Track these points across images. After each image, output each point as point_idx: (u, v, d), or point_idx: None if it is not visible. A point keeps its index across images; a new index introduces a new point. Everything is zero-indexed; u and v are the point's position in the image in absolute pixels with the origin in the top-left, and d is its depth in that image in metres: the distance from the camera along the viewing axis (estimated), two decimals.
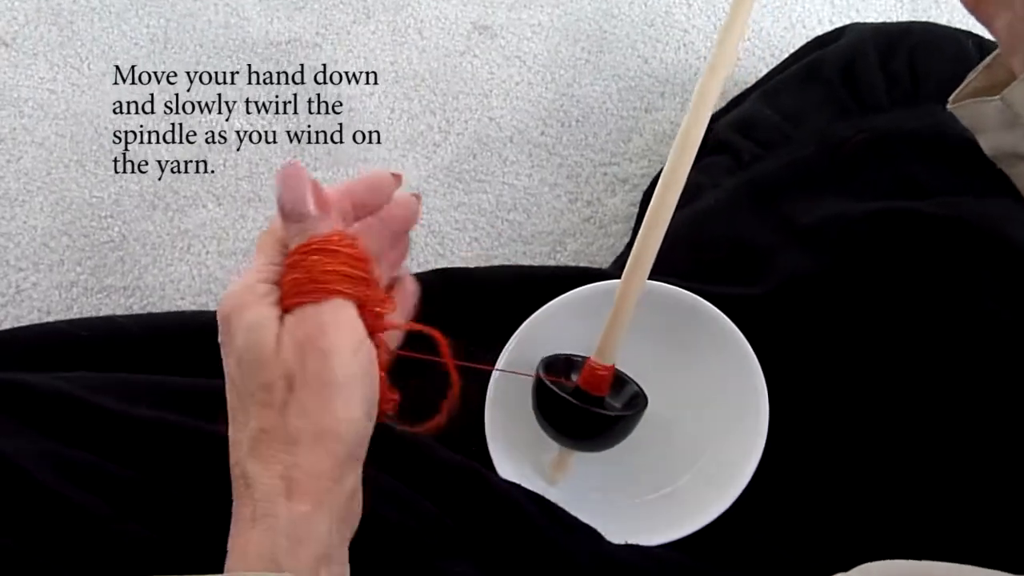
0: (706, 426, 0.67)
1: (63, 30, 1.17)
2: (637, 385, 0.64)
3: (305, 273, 0.47)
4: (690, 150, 0.57)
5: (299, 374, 0.45)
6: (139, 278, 1.01)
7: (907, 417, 0.66)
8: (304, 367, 0.45)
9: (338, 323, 0.46)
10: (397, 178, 0.53)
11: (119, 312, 0.99)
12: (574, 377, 0.64)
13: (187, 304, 1.00)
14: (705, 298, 0.65)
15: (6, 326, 0.97)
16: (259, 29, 1.18)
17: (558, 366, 0.65)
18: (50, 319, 0.97)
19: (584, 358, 0.63)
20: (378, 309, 0.49)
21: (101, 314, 0.99)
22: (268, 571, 0.43)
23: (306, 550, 0.44)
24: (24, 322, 0.98)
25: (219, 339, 0.47)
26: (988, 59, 0.59)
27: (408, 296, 0.55)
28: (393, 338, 0.53)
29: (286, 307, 0.47)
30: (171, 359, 0.69)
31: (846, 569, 0.43)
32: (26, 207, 1.04)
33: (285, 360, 0.45)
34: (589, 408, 0.61)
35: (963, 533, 0.63)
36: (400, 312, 0.53)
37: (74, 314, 0.99)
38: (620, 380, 0.64)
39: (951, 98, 0.61)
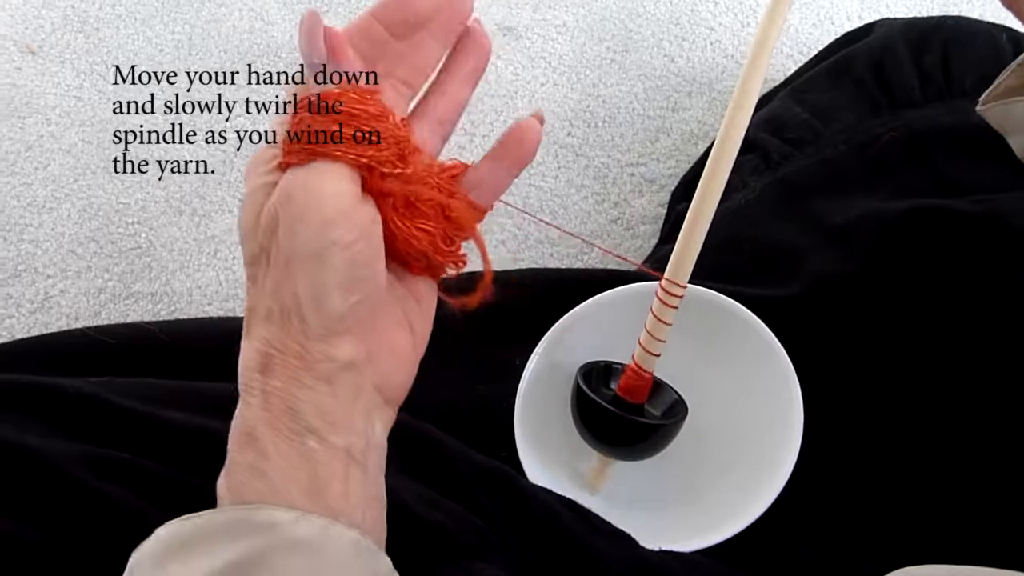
0: (740, 431, 0.66)
1: (89, 38, 1.18)
2: (676, 392, 0.64)
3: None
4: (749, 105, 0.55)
5: (271, 247, 0.42)
6: (166, 284, 1.01)
7: (942, 419, 0.65)
8: (276, 240, 0.41)
9: (313, 190, 0.40)
10: None
11: (147, 318, 0.99)
12: (613, 384, 0.63)
13: (214, 309, 1.00)
14: (736, 300, 0.64)
15: (35, 333, 0.97)
16: (283, 34, 1.18)
17: (597, 373, 0.64)
18: (78, 325, 0.98)
19: (623, 365, 0.62)
20: (386, 170, 0.42)
21: (129, 320, 0.99)
22: (242, 441, 0.42)
23: (281, 424, 0.42)
24: (52, 329, 0.98)
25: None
26: (1021, 58, 0.58)
27: (473, 57, 0.49)
28: (486, 187, 0.48)
29: (281, 170, 0.42)
30: (199, 365, 0.69)
31: (881, 574, 0.42)
32: (54, 214, 1.04)
33: (262, 232, 0.42)
34: (629, 417, 0.60)
35: (1002, 538, 0.62)
36: (461, 85, 0.48)
37: (102, 320, 0.99)
38: (659, 387, 0.63)
39: (981, 99, 0.60)
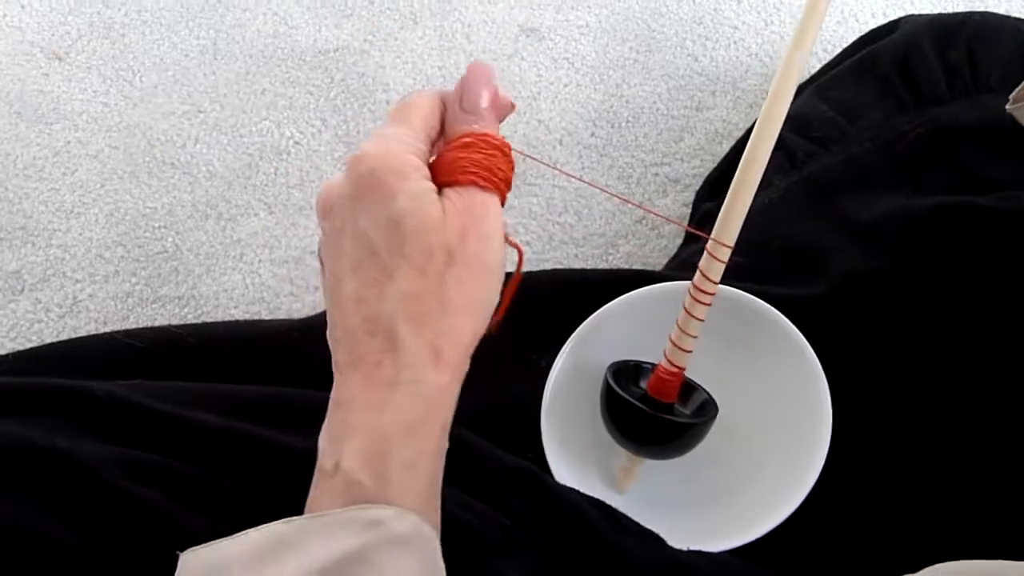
0: (768, 431, 0.66)
1: (115, 43, 1.19)
2: (706, 392, 0.63)
3: (484, 159, 0.49)
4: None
5: (459, 250, 0.46)
6: (193, 288, 1.01)
7: (972, 416, 0.65)
8: (465, 245, 0.46)
9: (496, 214, 0.48)
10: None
11: (174, 322, 0.99)
12: (642, 383, 0.63)
13: (240, 313, 1.00)
14: (762, 299, 0.64)
15: (63, 337, 0.98)
16: (307, 37, 1.18)
17: (627, 372, 0.64)
18: (106, 330, 0.98)
19: (652, 365, 0.62)
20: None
21: (156, 324, 0.99)
22: (403, 432, 0.44)
23: (439, 420, 0.45)
24: (81, 333, 0.99)
25: (348, 191, 0.47)
26: None
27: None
28: None
29: (439, 184, 0.48)
30: (226, 367, 0.69)
31: (911, 572, 0.42)
32: (81, 219, 1.05)
33: (449, 234, 0.46)
34: (660, 415, 0.60)
35: None
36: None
37: (130, 324, 1.00)
38: (689, 386, 0.63)
39: (1012, 96, 0.60)
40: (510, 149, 0.50)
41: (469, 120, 0.50)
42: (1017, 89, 0.60)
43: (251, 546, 0.41)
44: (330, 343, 0.47)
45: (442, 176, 0.48)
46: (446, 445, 0.46)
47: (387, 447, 0.43)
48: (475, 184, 0.47)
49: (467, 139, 0.49)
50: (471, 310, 0.46)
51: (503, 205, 0.49)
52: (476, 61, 0.51)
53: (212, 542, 0.42)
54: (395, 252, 0.45)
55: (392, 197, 0.46)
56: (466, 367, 0.46)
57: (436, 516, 0.45)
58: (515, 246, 0.52)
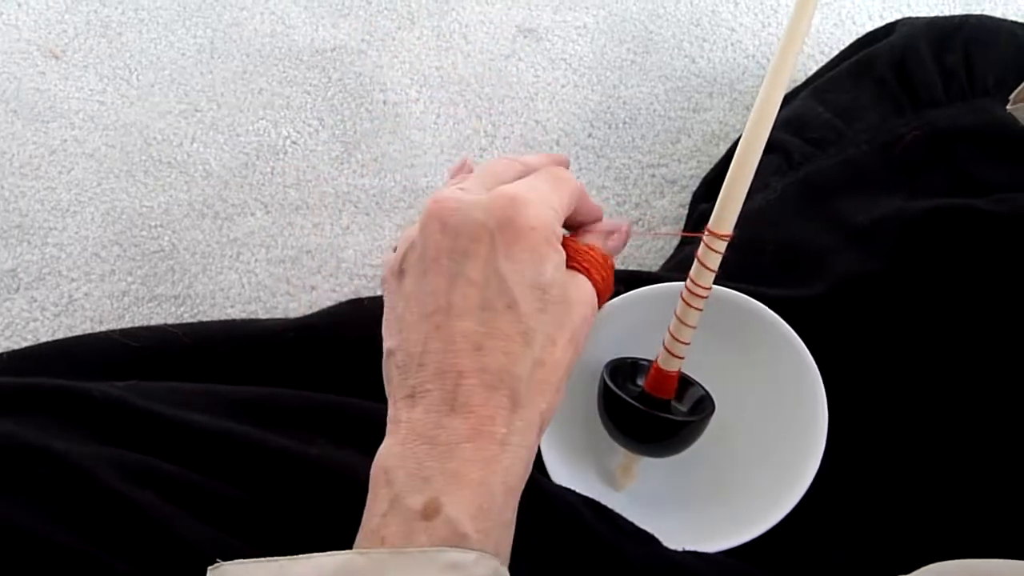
0: (764, 431, 0.66)
1: (112, 42, 1.18)
2: (703, 388, 0.63)
3: (602, 259, 0.54)
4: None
5: (579, 334, 0.50)
6: (189, 287, 1.01)
7: (968, 418, 0.65)
8: (581, 331, 0.50)
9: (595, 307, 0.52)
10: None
11: (170, 320, 0.99)
12: (640, 381, 0.63)
13: (237, 312, 1.00)
14: (759, 300, 0.64)
15: (59, 336, 0.98)
16: (304, 37, 1.18)
17: (624, 370, 0.64)
18: (102, 329, 0.98)
19: (649, 362, 0.62)
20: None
21: (152, 323, 0.99)
22: (508, 498, 0.44)
23: (524, 484, 0.46)
24: (76, 332, 0.99)
25: (493, 224, 0.47)
26: None
27: None
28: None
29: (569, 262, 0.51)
30: (222, 367, 0.69)
31: (907, 572, 0.42)
32: (77, 218, 1.05)
33: (576, 316, 0.50)
34: (656, 413, 0.60)
35: None
36: None
37: (126, 323, 1.00)
38: (686, 383, 0.63)
39: (1012, 97, 0.60)
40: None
41: (596, 238, 0.56)
42: (1018, 89, 0.60)
43: (322, 571, 0.41)
44: (401, 363, 0.46)
45: (572, 260, 0.52)
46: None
47: (493, 505, 0.43)
48: (596, 283, 0.52)
49: (595, 241, 0.55)
50: (564, 384, 0.49)
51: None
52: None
53: (265, 560, 0.42)
54: (534, 316, 0.46)
55: (543, 261, 0.47)
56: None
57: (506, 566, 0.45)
58: None
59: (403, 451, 0.44)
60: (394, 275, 0.49)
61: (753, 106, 0.55)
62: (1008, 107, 0.60)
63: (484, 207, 0.47)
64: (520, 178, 0.52)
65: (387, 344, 0.48)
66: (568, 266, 0.51)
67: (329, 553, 0.41)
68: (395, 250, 0.51)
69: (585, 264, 0.51)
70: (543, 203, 0.48)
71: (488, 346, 0.45)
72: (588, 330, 0.51)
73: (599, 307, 0.53)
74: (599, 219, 0.57)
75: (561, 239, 0.50)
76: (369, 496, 0.45)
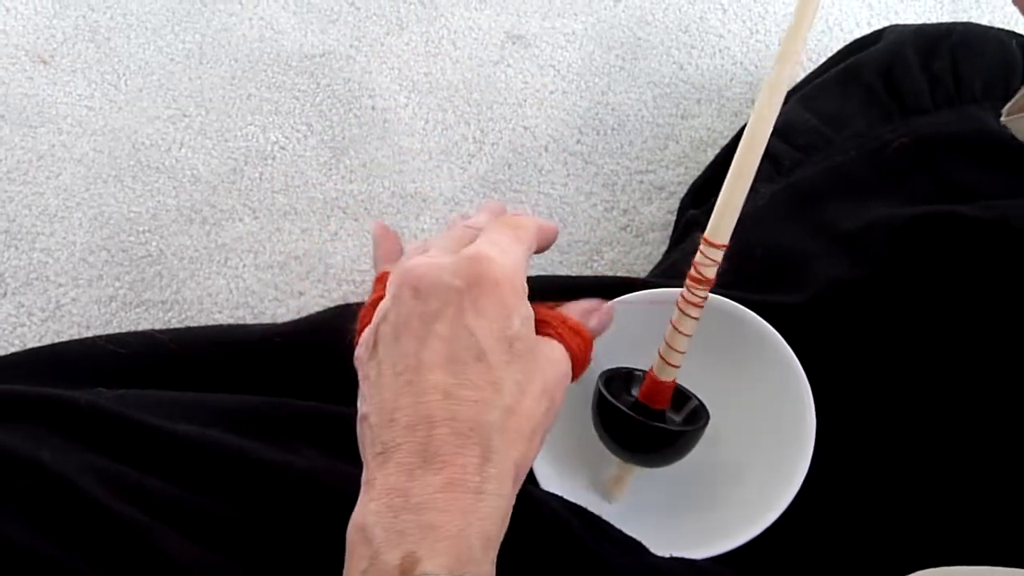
0: (752, 438, 0.66)
1: (100, 47, 1.18)
2: (698, 399, 0.63)
3: (573, 333, 0.54)
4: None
5: (552, 388, 0.50)
6: (177, 292, 1.01)
7: (955, 425, 0.65)
8: (558, 387, 0.51)
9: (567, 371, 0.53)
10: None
11: (158, 326, 0.99)
12: (634, 391, 0.63)
13: (224, 317, 1.00)
14: (747, 306, 0.64)
15: (46, 341, 0.98)
16: (293, 42, 1.18)
17: (618, 379, 0.64)
18: (89, 334, 0.98)
19: (643, 372, 0.62)
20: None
21: (140, 328, 0.99)
22: (485, 549, 0.44)
23: (502, 536, 0.46)
24: (64, 337, 0.99)
25: (459, 283, 0.48)
26: None
27: None
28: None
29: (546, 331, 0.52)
30: (209, 374, 0.69)
31: None
32: (65, 223, 1.05)
33: (549, 370, 0.50)
34: (651, 423, 0.60)
35: (1017, 545, 0.62)
36: None
37: (113, 329, 0.99)
38: (680, 393, 0.63)
39: (1005, 110, 0.60)
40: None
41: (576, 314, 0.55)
42: (1011, 102, 0.60)
43: None
44: (374, 424, 0.46)
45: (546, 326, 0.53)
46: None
47: (471, 556, 0.42)
48: (569, 349, 0.52)
49: (573, 317, 0.55)
50: (540, 437, 0.49)
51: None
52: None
53: None
54: (502, 367, 0.46)
55: (510, 314, 0.47)
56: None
57: None
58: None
59: (378, 507, 0.43)
60: (367, 349, 0.49)
61: (744, 119, 0.55)
62: (1002, 119, 0.60)
63: (451, 269, 0.48)
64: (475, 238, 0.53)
65: (361, 410, 0.48)
66: (542, 332, 0.52)
67: None
68: (361, 333, 0.52)
69: (558, 331, 0.52)
70: (505, 255, 0.49)
71: (458, 395, 0.45)
72: (563, 390, 0.51)
73: (575, 375, 0.53)
74: (554, 237, 0.58)
75: (530, 299, 0.51)
76: (347, 556, 0.44)
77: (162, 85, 1.15)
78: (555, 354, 0.51)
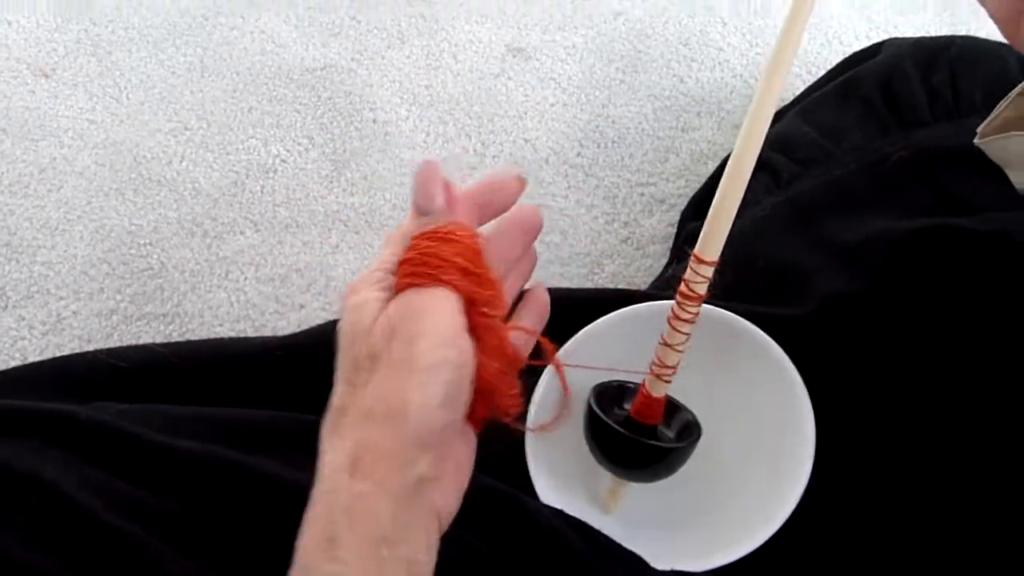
0: (751, 450, 0.66)
1: (102, 61, 1.19)
2: (690, 413, 0.63)
3: (418, 256, 0.47)
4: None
5: (384, 354, 0.45)
6: (178, 305, 1.01)
7: (955, 438, 0.65)
8: (390, 348, 0.45)
9: (434, 311, 0.46)
10: (522, 182, 0.53)
11: (159, 339, 0.99)
12: (626, 404, 0.63)
13: (226, 331, 1.00)
14: (747, 318, 0.64)
15: (47, 354, 0.98)
16: (295, 56, 1.19)
17: (610, 394, 0.64)
18: (90, 347, 0.98)
19: (636, 385, 0.62)
20: (485, 310, 0.48)
21: (141, 341, 0.99)
22: (322, 547, 0.42)
23: (363, 528, 0.43)
24: (65, 350, 0.99)
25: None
26: (1018, 89, 0.58)
27: (537, 306, 0.56)
28: (525, 346, 0.53)
29: (397, 290, 0.47)
30: (210, 387, 0.69)
31: None
32: (66, 236, 1.05)
33: (374, 339, 0.45)
34: (642, 440, 0.60)
35: (1018, 560, 0.61)
36: (528, 321, 0.54)
37: (114, 342, 0.99)
38: (673, 407, 0.63)
39: (979, 131, 0.60)
40: (467, 235, 0.48)
41: (423, 223, 0.49)
42: (985, 123, 0.60)
43: None
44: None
45: (396, 284, 0.48)
46: (398, 547, 0.44)
47: (307, 561, 0.43)
48: (411, 285, 0.47)
49: (409, 244, 0.48)
50: (390, 415, 0.44)
51: (477, 300, 0.47)
52: (424, 161, 0.50)
53: None
54: (339, 369, 0.47)
55: (343, 317, 0.47)
56: (404, 471, 0.44)
57: None
58: (529, 332, 0.52)
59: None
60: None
61: (740, 131, 0.55)
62: (976, 141, 0.60)
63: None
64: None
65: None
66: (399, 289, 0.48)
67: None
68: None
69: (398, 280, 0.48)
70: (361, 280, 0.48)
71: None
72: (414, 336, 0.45)
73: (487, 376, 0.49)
74: (511, 199, 0.53)
75: (386, 273, 0.48)
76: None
77: (163, 98, 1.15)
78: (403, 306, 0.47)
